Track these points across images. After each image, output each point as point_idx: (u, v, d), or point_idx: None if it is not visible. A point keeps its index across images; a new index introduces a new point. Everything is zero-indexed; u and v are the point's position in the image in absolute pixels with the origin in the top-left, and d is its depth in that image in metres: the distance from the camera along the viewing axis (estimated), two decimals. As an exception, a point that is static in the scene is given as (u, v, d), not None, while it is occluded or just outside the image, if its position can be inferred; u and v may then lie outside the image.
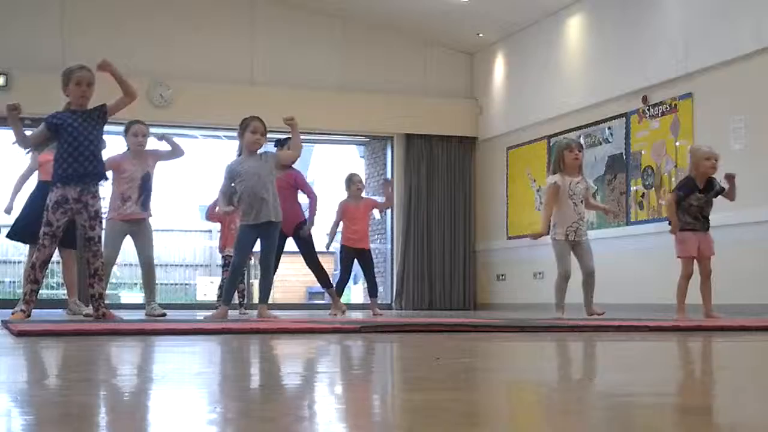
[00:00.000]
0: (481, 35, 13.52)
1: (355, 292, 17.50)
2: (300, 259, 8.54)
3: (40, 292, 6.23)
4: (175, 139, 7.61)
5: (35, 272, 5.90)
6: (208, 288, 16.54)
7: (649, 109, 10.61)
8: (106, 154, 6.44)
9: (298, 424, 1.52)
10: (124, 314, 6.91)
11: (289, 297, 16.79)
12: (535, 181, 12.72)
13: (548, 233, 7.31)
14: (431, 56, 14.17)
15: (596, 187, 9.90)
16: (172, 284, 18.37)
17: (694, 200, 6.85)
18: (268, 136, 6.95)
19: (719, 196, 6.95)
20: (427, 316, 8.77)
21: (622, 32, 11.01)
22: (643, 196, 10.67)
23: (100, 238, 5.95)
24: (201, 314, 8.12)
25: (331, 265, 15.93)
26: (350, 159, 17.09)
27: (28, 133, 6.09)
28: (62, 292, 10.85)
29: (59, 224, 5.83)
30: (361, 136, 14.35)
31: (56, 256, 6.80)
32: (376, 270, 9.59)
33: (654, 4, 10.48)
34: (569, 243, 7.17)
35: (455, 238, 14.03)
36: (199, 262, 18.78)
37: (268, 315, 6.74)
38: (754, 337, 4.57)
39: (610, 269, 10.38)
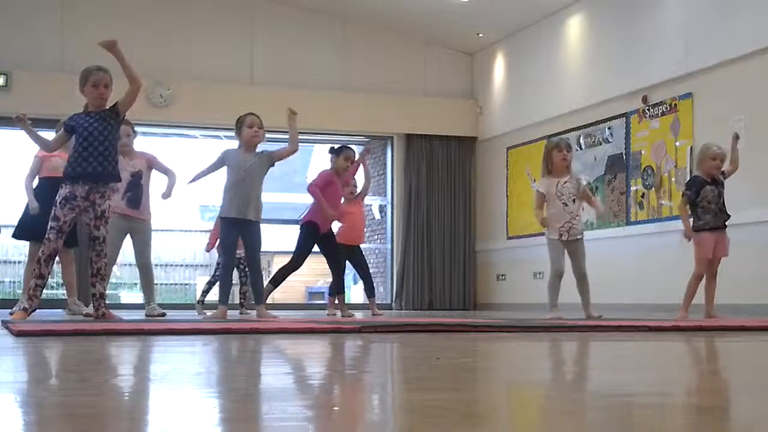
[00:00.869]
0: (481, 35, 13.52)
1: (355, 292, 17.50)
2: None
3: (40, 292, 6.24)
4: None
5: (41, 267, 5.92)
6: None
7: (649, 109, 10.61)
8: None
9: (297, 425, 1.52)
10: (124, 314, 6.91)
11: (289, 297, 16.80)
12: (535, 181, 12.70)
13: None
14: (431, 56, 14.17)
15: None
16: (171, 284, 18.40)
17: (708, 193, 6.86)
18: (272, 136, 6.96)
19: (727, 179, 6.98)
20: (427, 316, 8.78)
21: (622, 32, 11.01)
22: (643, 196, 10.67)
23: (104, 238, 5.97)
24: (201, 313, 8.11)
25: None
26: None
27: (42, 134, 6.28)
28: (62, 292, 10.84)
29: (66, 220, 5.87)
30: (361, 136, 14.34)
31: (56, 256, 6.80)
32: (375, 270, 9.55)
33: (654, 4, 10.48)
34: (563, 242, 7.21)
35: (455, 238, 14.03)
36: (199, 262, 18.80)
37: (268, 315, 6.74)
38: (754, 337, 4.57)
39: (610, 269, 10.38)
